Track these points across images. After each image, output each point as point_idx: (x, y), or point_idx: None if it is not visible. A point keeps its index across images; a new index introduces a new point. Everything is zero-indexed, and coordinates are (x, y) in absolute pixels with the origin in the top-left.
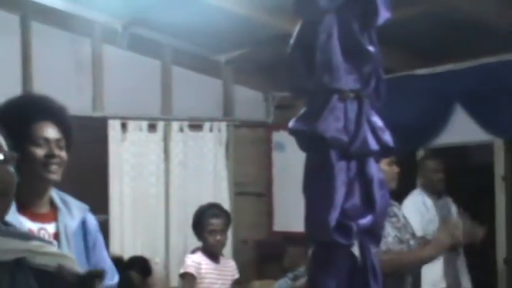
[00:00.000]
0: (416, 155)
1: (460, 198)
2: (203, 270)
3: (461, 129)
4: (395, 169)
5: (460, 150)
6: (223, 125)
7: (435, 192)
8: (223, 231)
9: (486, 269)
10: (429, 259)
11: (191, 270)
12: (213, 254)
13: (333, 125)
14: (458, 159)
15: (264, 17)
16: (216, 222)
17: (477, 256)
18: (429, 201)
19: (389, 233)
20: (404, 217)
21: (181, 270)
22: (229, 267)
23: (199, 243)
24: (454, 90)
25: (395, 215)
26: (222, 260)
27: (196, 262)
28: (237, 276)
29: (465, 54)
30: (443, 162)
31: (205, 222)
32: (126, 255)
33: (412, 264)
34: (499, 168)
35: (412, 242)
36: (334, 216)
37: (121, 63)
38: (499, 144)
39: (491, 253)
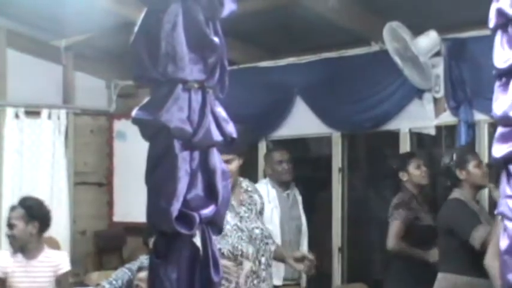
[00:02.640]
0: (258, 147)
1: (301, 189)
2: (9, 269)
3: (302, 121)
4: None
5: (300, 142)
6: (62, 112)
7: (282, 183)
8: (16, 226)
9: (323, 257)
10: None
11: None
12: (19, 249)
13: (176, 115)
14: (299, 151)
15: (107, 3)
16: (10, 215)
17: (316, 244)
18: (273, 192)
19: (229, 221)
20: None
21: None
22: (49, 262)
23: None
24: (295, 83)
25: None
26: (43, 253)
27: (1, 262)
28: (66, 268)
29: (307, 48)
30: (288, 152)
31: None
32: None
33: None
34: (337, 161)
35: (257, 231)
36: (176, 207)
37: None
38: (336, 137)
39: (327, 242)
